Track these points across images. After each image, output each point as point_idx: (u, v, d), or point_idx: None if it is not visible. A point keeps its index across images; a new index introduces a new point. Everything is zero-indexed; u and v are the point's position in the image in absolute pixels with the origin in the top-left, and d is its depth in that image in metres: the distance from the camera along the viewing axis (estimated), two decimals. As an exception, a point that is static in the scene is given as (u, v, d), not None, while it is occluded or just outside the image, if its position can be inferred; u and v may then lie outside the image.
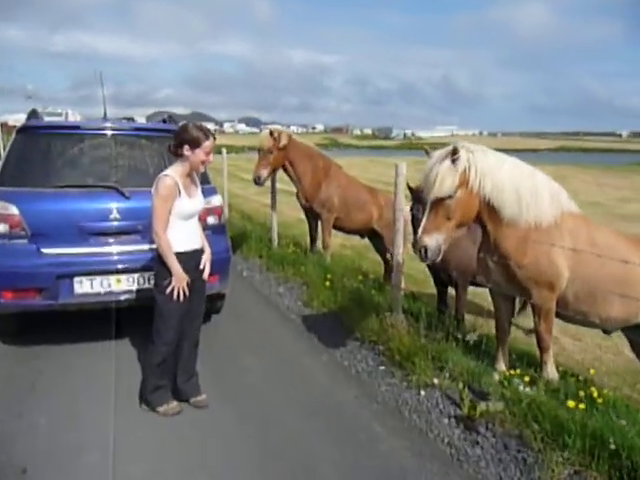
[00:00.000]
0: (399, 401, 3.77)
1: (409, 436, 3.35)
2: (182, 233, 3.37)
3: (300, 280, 6.50)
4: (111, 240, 4.29)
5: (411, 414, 3.60)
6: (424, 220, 3.64)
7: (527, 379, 3.90)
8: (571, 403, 3.15)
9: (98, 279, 4.18)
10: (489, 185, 3.62)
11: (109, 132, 4.58)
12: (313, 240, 7.17)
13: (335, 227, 6.92)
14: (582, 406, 3.13)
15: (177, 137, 3.32)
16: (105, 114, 5.22)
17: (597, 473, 2.84)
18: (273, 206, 7.90)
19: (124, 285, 4.26)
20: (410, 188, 5.11)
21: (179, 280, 3.30)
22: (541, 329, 3.93)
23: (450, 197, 3.52)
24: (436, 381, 3.87)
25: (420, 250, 3.61)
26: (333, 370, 4.28)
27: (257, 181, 6.71)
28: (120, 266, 4.23)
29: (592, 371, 4.03)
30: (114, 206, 4.23)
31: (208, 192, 4.70)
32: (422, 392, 3.82)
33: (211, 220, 4.66)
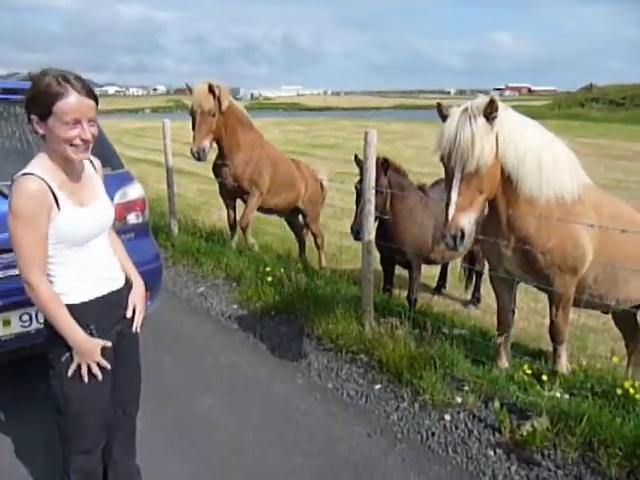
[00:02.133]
0: (422, 433, 3.00)
1: (461, 485, 2.62)
2: (79, 269, 1.94)
3: (223, 274, 5.39)
4: (-15, 263, 2.85)
5: (447, 450, 2.86)
6: (454, 195, 2.84)
7: (545, 377, 3.41)
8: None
9: (-29, 324, 2.76)
10: (512, 153, 2.93)
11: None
12: (232, 226, 5.96)
13: (261, 209, 5.80)
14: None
15: (25, 103, 1.85)
16: None
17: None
18: (170, 184, 6.51)
19: (16, 327, 2.89)
20: (356, 159, 4.33)
21: (85, 354, 1.90)
22: (559, 319, 3.43)
23: (486, 166, 2.81)
24: (459, 399, 3.17)
25: (455, 235, 2.81)
26: (320, 398, 3.37)
27: (199, 155, 5.19)
28: (6, 300, 2.84)
29: (615, 359, 3.62)
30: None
31: (121, 180, 3.42)
32: (446, 416, 3.10)
33: (132, 219, 3.39)
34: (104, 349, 1.96)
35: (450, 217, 2.82)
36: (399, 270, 5.11)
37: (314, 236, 6.47)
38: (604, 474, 2.60)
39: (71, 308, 1.90)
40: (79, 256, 1.94)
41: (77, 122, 1.78)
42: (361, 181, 4.16)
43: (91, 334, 1.92)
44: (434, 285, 6.60)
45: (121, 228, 3.32)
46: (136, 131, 27.99)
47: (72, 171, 1.94)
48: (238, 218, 5.82)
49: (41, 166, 1.84)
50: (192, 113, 5.23)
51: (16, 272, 2.81)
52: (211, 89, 5.10)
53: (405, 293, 5.00)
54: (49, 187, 1.81)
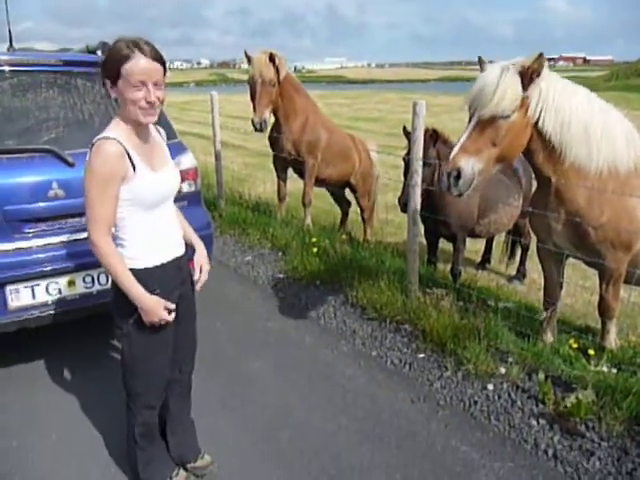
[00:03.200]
0: (465, 401, 3.05)
1: (503, 452, 2.66)
2: (148, 233, 2.04)
3: (269, 245, 5.51)
4: (53, 227, 3.03)
5: (490, 418, 2.91)
6: (463, 137, 2.84)
7: (592, 352, 3.39)
8: None
9: (42, 284, 2.96)
10: (552, 117, 2.87)
11: (26, 69, 3.17)
12: (282, 198, 6.03)
13: (315, 179, 5.79)
14: None
15: (101, 69, 1.95)
16: (11, 44, 3.66)
17: None
18: (217, 156, 6.64)
19: (80, 288, 3.07)
20: (405, 130, 4.31)
21: (149, 314, 2.00)
22: (609, 296, 3.38)
23: (505, 117, 2.77)
24: (502, 370, 3.19)
25: (450, 173, 2.82)
26: (363, 365, 3.46)
27: (261, 126, 5.21)
28: (70, 263, 3.02)
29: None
30: (53, 177, 2.94)
31: (175, 150, 3.51)
32: (489, 386, 3.14)
33: (185, 187, 3.51)
34: (168, 311, 2.07)
35: (452, 155, 2.83)
36: (444, 244, 5.10)
37: (362, 210, 6.49)
38: (651, 447, 2.59)
39: (139, 272, 2.00)
40: (148, 220, 2.03)
41: (143, 84, 1.84)
42: (409, 153, 4.15)
43: (160, 293, 2.05)
44: (479, 260, 6.56)
45: (175, 196, 3.45)
46: (181, 105, 28.37)
47: (144, 135, 2.03)
48: (288, 191, 5.89)
49: (118, 130, 1.94)
50: (252, 83, 5.20)
51: (80, 236, 3.01)
52: (272, 58, 5.10)
53: (449, 267, 5.00)
54: (126, 150, 1.91)
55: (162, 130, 2.26)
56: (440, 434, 2.80)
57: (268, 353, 3.61)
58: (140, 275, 2.00)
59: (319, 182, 5.84)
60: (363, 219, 6.45)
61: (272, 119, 5.51)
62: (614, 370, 3.07)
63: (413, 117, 3.69)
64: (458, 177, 2.82)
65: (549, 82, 2.88)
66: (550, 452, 2.65)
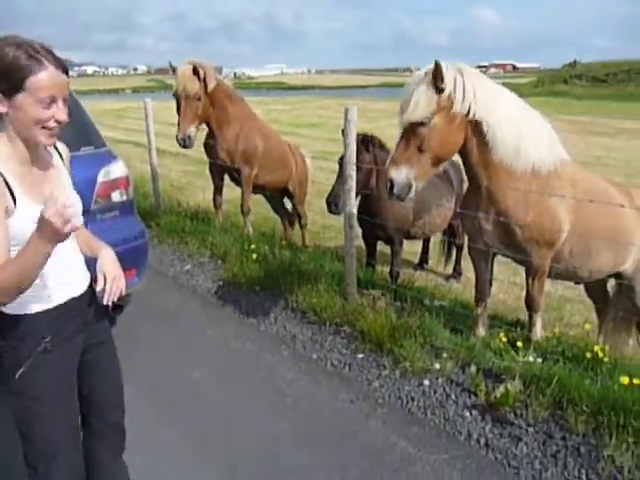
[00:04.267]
0: (403, 398, 3.15)
1: (439, 444, 2.77)
2: (40, 274, 1.55)
3: (208, 253, 5.47)
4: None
5: (426, 413, 3.01)
6: (394, 150, 3.04)
7: (520, 344, 3.57)
8: (625, 379, 2.79)
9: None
10: (483, 115, 3.00)
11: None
12: (219, 206, 5.97)
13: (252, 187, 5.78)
14: (637, 381, 2.78)
15: None
16: None
17: (662, 453, 2.54)
18: (153, 164, 6.53)
19: None
20: (343, 133, 4.43)
21: (49, 239, 1.41)
22: (534, 290, 3.57)
23: (424, 123, 2.91)
24: (437, 365, 3.31)
25: (386, 184, 3.04)
26: (304, 368, 3.50)
27: (185, 142, 5.01)
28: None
29: (587, 325, 3.79)
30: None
31: (102, 159, 3.47)
32: (425, 382, 3.25)
33: (116, 197, 3.45)
34: (69, 365, 1.78)
35: (386, 167, 3.05)
36: (382, 246, 5.23)
37: (299, 217, 6.55)
38: (571, 430, 2.76)
39: (24, 318, 1.66)
40: None
41: (53, 100, 1.55)
42: (343, 157, 4.25)
43: (45, 349, 1.68)
44: (417, 261, 6.75)
45: (105, 206, 3.39)
46: (117, 112, 27.63)
47: (35, 160, 1.67)
48: (225, 198, 5.84)
49: None
50: (176, 96, 5.05)
51: None
52: (195, 71, 4.90)
53: (388, 268, 5.12)
54: (4, 179, 1.55)
55: (63, 148, 1.87)
56: (379, 431, 2.88)
57: (209, 362, 3.59)
58: (26, 320, 1.66)
59: (257, 188, 5.84)
60: (300, 225, 6.52)
61: (203, 128, 5.42)
62: (539, 360, 3.24)
63: (345, 122, 3.78)
64: (392, 186, 2.99)
65: (475, 81, 3.01)
66: (482, 441, 2.78)
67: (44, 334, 1.69)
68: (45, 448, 1.75)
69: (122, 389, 2.05)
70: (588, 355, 3.27)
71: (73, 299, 1.77)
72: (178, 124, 5.05)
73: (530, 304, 3.63)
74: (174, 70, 5.10)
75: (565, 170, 3.35)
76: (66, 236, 1.42)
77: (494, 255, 3.74)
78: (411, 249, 6.97)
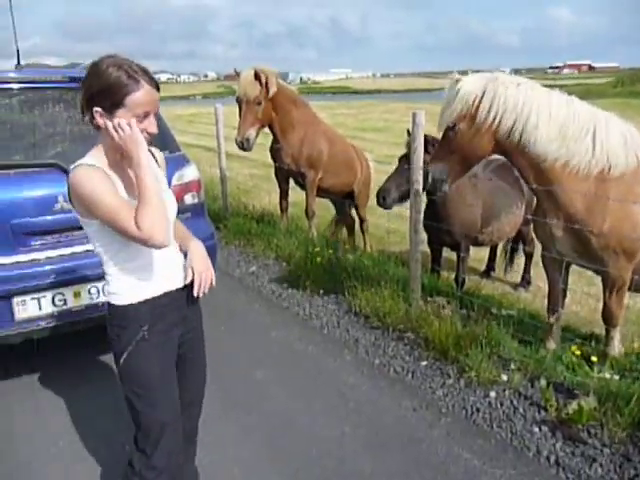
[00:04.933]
0: (467, 409, 3.06)
1: (505, 459, 2.67)
2: (137, 267, 1.83)
3: (273, 255, 5.56)
4: (59, 240, 3.09)
5: (492, 426, 2.92)
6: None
7: (594, 359, 3.39)
8: None
9: (48, 296, 3.01)
10: (515, 122, 3.00)
11: (33, 85, 3.25)
12: (284, 209, 6.08)
13: (317, 190, 5.81)
14: None
15: (84, 89, 1.73)
16: (19, 61, 3.74)
17: None
18: (222, 168, 6.72)
19: (85, 299, 3.12)
20: (408, 132, 4.41)
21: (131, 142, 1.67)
22: (612, 303, 3.38)
23: (451, 128, 3.16)
24: (505, 377, 3.20)
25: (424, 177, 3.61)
26: (366, 373, 3.48)
27: (243, 145, 5.18)
28: (75, 275, 3.07)
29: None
30: (59, 191, 3.00)
31: (176, 163, 3.60)
32: (491, 393, 3.15)
33: (188, 199, 3.58)
34: (168, 356, 1.92)
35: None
36: (447, 253, 5.12)
37: (361, 220, 6.53)
38: (653, 454, 2.59)
39: (121, 309, 1.83)
40: (138, 254, 1.81)
41: (147, 115, 1.72)
42: (402, 157, 4.25)
43: (143, 338, 1.84)
44: (483, 268, 6.57)
45: (179, 208, 3.50)
46: (188, 117, 28.60)
47: (131, 165, 1.78)
48: (291, 201, 5.91)
49: (99, 157, 1.77)
50: (238, 101, 5.18)
51: (85, 248, 3.06)
52: (257, 76, 5.01)
53: (453, 275, 5.02)
54: (106, 176, 1.73)
55: (159, 153, 2.10)
56: (442, 441, 2.82)
57: (272, 362, 3.64)
58: (123, 313, 1.83)
59: (322, 191, 5.88)
60: (362, 230, 6.49)
61: (268, 133, 5.53)
62: (616, 377, 3.07)
63: (413, 127, 3.73)
64: (427, 176, 3.41)
65: (503, 89, 3.00)
66: (552, 459, 2.65)
67: (142, 323, 1.84)
68: (149, 433, 1.89)
69: (203, 390, 2.23)
70: (672, 374, 3.07)
71: (171, 292, 1.92)
72: (238, 127, 5.19)
73: (607, 318, 3.45)
74: (238, 75, 5.24)
75: None
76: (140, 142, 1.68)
77: (568, 264, 3.58)
78: (478, 256, 6.78)
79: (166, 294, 1.90)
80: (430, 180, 3.35)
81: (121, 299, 1.84)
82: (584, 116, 3.05)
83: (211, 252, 3.75)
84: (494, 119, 3.02)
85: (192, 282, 1.94)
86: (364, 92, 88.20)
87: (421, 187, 3.89)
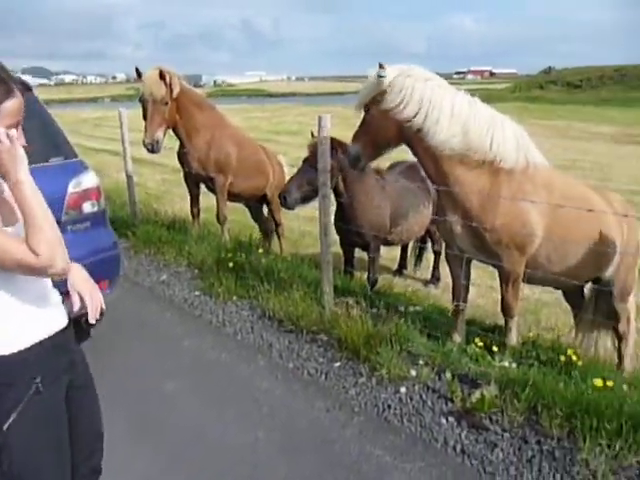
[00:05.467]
0: (379, 406, 3.13)
1: (415, 452, 2.75)
2: (11, 306, 1.53)
3: (185, 262, 5.41)
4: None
5: (402, 421, 3.00)
6: None
7: (495, 349, 3.59)
8: (599, 382, 2.81)
9: None
10: (419, 113, 3.16)
11: None
12: (196, 214, 5.93)
13: (227, 195, 5.72)
14: (610, 383, 2.81)
15: None
16: None
17: (635, 455, 2.55)
18: (129, 173, 6.45)
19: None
20: (313, 135, 4.50)
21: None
22: (508, 296, 3.58)
23: (366, 111, 3.38)
24: (414, 372, 3.31)
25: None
26: (280, 377, 3.46)
27: (152, 147, 4.99)
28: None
29: (565, 329, 3.81)
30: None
31: (74, 169, 3.42)
32: (402, 389, 3.24)
33: (87, 208, 3.39)
34: (60, 408, 1.64)
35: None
36: (361, 253, 5.23)
37: (276, 225, 6.53)
38: (546, 435, 2.77)
39: (9, 359, 1.51)
40: (10, 289, 1.52)
41: (17, 124, 1.51)
42: (306, 160, 4.35)
43: (37, 391, 1.54)
44: (396, 267, 6.77)
45: (76, 217, 3.33)
46: (95, 121, 27.35)
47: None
48: (203, 206, 5.80)
49: None
50: (142, 102, 5.03)
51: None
52: (162, 75, 4.89)
53: (366, 275, 5.13)
54: None
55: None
56: (355, 440, 2.86)
57: (183, 373, 3.54)
58: (8, 364, 1.51)
59: (233, 196, 5.81)
60: (277, 234, 6.49)
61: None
62: (514, 365, 3.25)
63: (319, 130, 3.77)
64: (348, 157, 3.60)
65: (415, 83, 3.17)
66: (458, 448, 2.77)
67: (33, 374, 1.54)
68: None
69: (103, 435, 1.92)
70: (562, 358, 3.30)
71: (57, 333, 1.65)
72: (145, 129, 5.02)
73: (505, 309, 3.65)
74: (140, 75, 5.08)
75: (540, 174, 3.38)
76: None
77: (470, 260, 3.76)
78: (391, 255, 6.99)
79: (52, 336, 1.62)
80: (348, 157, 3.52)
81: (3, 348, 1.51)
82: (484, 116, 3.23)
83: (114, 262, 3.62)
84: (398, 107, 3.16)
85: (75, 320, 1.74)
86: (279, 95, 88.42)
87: (329, 190, 3.95)
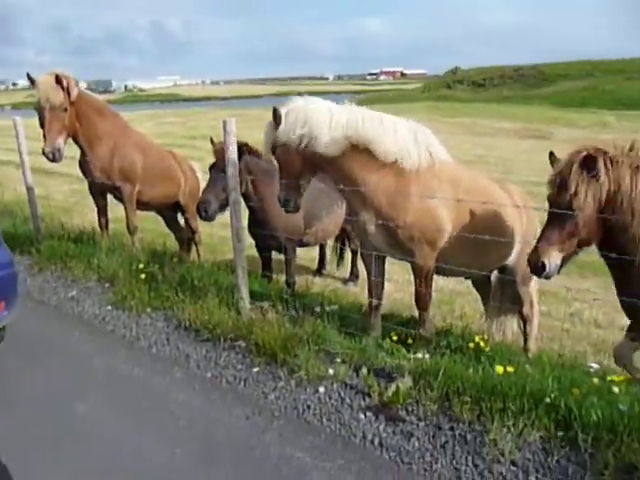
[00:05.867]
0: (299, 408, 3.13)
1: (335, 450, 2.77)
2: None
3: (95, 277, 5.16)
4: None
5: (322, 420, 3.02)
6: None
7: (410, 341, 3.71)
8: (500, 369, 2.96)
9: None
10: (300, 131, 3.35)
11: None
12: (104, 225, 5.66)
13: (136, 204, 5.51)
14: (511, 369, 2.96)
15: None
16: None
17: (537, 430, 2.71)
18: (29, 186, 6.06)
19: None
20: (213, 144, 4.49)
21: None
22: (422, 289, 3.70)
23: (273, 153, 3.54)
24: (331, 371, 3.33)
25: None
26: (198, 388, 3.38)
27: (55, 156, 4.71)
28: None
29: (471, 317, 3.98)
30: None
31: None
32: (320, 389, 3.25)
33: (-24, 225, 3.16)
34: None
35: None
36: (278, 255, 5.22)
37: (193, 232, 6.39)
38: (459, 420, 2.89)
39: None
40: None
41: None
42: (212, 166, 4.32)
43: None
44: (316, 267, 6.83)
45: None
46: (-7, 131, 25.52)
47: None
48: (112, 216, 5.56)
49: None
50: (39, 109, 4.75)
51: None
52: (58, 80, 4.65)
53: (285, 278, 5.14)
54: None
55: None
56: (275, 444, 2.84)
57: (95, 392, 3.37)
58: None
59: (143, 205, 5.63)
60: (194, 241, 6.37)
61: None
62: (427, 355, 3.36)
63: (224, 135, 3.73)
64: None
65: (295, 110, 3.39)
66: (376, 441, 2.83)
67: None
68: None
69: None
70: (471, 345, 3.45)
71: None
72: (44, 137, 4.76)
73: (419, 303, 3.77)
74: (33, 82, 4.79)
75: (445, 170, 3.52)
76: None
77: (385, 257, 3.85)
78: (310, 255, 7.04)
79: None
80: (283, 205, 3.55)
81: None
82: (369, 122, 3.35)
83: (9, 281, 3.39)
84: (290, 137, 3.34)
85: None
86: (194, 99, 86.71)
87: (239, 196, 3.91)
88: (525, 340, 4.41)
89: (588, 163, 2.76)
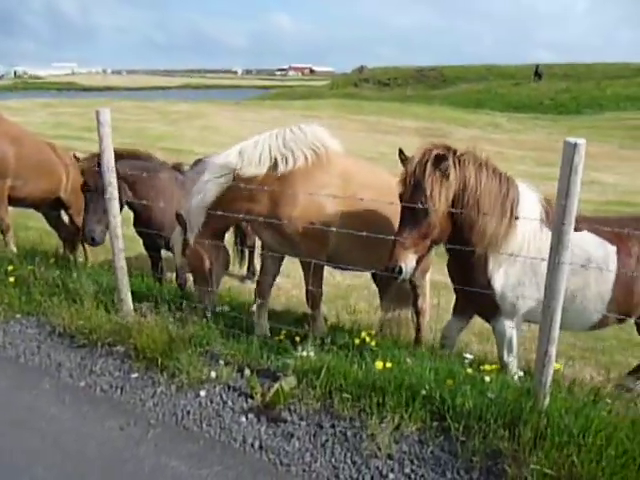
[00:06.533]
0: (178, 414, 2.99)
1: (212, 457, 2.67)
2: None
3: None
4: None
5: (202, 426, 2.90)
6: None
7: (298, 339, 3.68)
8: (379, 364, 2.98)
9: None
10: None
11: None
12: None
13: (10, 200, 5.05)
14: (389, 365, 2.99)
15: None
16: None
17: (414, 423, 2.77)
18: None
19: None
20: (77, 160, 4.22)
21: None
22: (311, 286, 3.68)
23: None
24: (213, 374, 3.22)
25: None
26: (68, 400, 3.13)
27: None
28: None
29: (363, 312, 4.01)
30: None
31: None
32: (202, 392, 3.13)
33: None
34: None
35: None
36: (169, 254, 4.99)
37: (78, 230, 5.98)
38: (340, 417, 2.88)
39: None
40: None
41: None
42: (85, 186, 4.01)
43: None
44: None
45: None
46: None
47: None
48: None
49: None
50: None
51: None
52: None
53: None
54: None
55: None
56: (150, 455, 2.69)
57: (-53, 411, 3.02)
58: None
59: (19, 201, 5.18)
60: (81, 240, 5.96)
61: None
62: (312, 353, 3.34)
63: (98, 126, 3.49)
64: None
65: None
66: (257, 444, 2.76)
67: None
68: None
69: None
70: (357, 341, 3.47)
71: None
72: None
73: (309, 300, 3.74)
74: None
75: (336, 166, 3.49)
76: None
77: (282, 256, 3.80)
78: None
79: None
80: None
81: None
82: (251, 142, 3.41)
83: None
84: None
85: None
86: (93, 89, 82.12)
87: (116, 191, 3.67)
88: (417, 332, 4.52)
89: (439, 161, 2.82)
